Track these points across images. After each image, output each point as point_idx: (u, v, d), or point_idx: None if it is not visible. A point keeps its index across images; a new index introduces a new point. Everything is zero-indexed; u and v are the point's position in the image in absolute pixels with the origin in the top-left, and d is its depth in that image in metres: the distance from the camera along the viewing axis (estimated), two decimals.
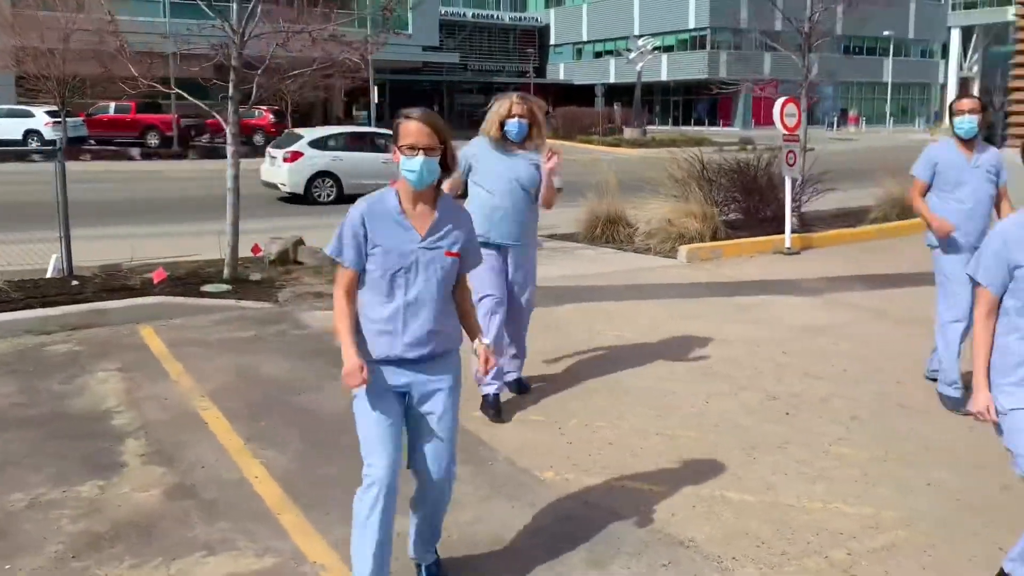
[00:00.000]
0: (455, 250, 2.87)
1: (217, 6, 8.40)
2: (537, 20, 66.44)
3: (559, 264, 9.19)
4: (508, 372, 5.06)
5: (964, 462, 4.24)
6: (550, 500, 3.82)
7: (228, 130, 8.45)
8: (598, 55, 62.64)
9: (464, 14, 62.21)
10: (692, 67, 54.65)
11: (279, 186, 15.98)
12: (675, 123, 57.18)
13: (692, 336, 6.45)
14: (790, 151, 9.97)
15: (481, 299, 4.69)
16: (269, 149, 16.84)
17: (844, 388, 5.31)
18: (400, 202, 2.84)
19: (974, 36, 59.85)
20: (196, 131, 32.38)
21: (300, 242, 9.54)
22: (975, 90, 61.76)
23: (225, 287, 7.83)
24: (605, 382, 5.41)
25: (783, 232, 10.35)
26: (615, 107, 44.29)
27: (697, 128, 51.42)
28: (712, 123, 55.15)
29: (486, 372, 3.02)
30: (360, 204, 2.84)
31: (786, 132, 9.94)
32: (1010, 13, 55.65)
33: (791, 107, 10.01)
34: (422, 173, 2.75)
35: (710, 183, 11.34)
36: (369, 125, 36.54)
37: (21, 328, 6.43)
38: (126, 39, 10.08)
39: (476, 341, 2.99)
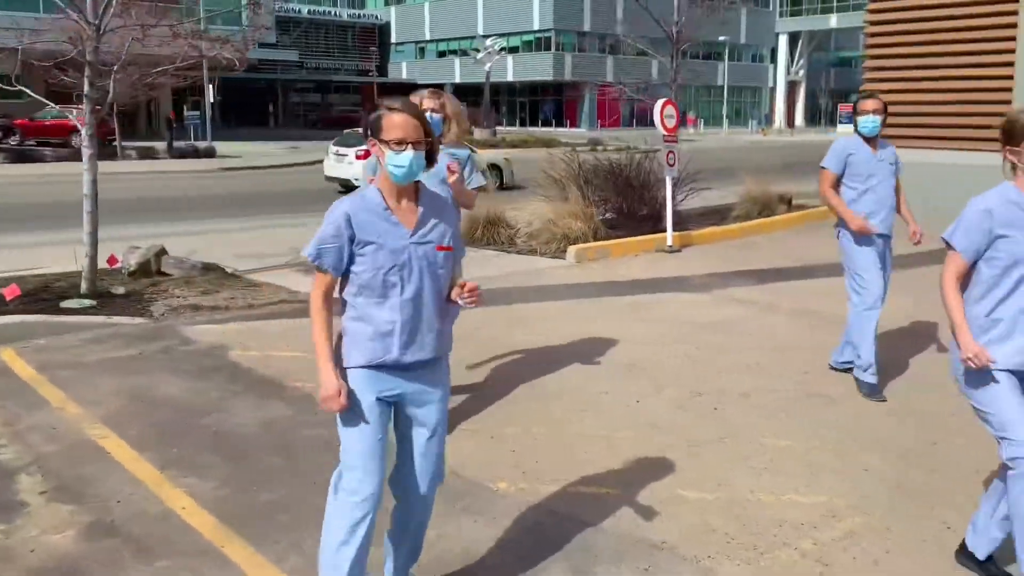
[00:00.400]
0: (446, 244, 2.78)
1: None
2: (377, 18, 65.85)
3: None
4: None
5: (890, 448, 4.52)
6: (511, 512, 3.76)
7: (84, 131, 7.85)
8: (442, 54, 62.80)
9: (299, 10, 60.77)
10: (538, 68, 55.85)
11: (353, 180, 16.00)
12: (522, 124, 58.21)
13: (601, 336, 6.56)
14: (670, 151, 10.35)
15: None
16: (334, 147, 17.89)
17: (762, 381, 5.55)
18: (384, 198, 2.73)
19: (800, 42, 64.50)
20: (3, 132, 29.87)
21: (162, 251, 8.97)
22: (801, 93, 66.57)
23: (88, 302, 7.23)
24: (532, 386, 5.40)
25: (659, 230, 10.73)
26: (462, 107, 44.46)
27: (545, 129, 52.55)
28: (559, 124, 56.56)
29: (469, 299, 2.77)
30: (342, 203, 2.72)
31: (666, 133, 10.31)
32: (832, 20, 60.50)
33: (670, 109, 10.39)
34: (411, 168, 2.66)
35: (586, 183, 11.59)
36: (203, 126, 34.97)
37: None
38: None
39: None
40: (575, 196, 11.22)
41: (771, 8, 64.30)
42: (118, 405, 4.95)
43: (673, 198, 10.91)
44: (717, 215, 13.11)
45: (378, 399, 2.75)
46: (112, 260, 8.82)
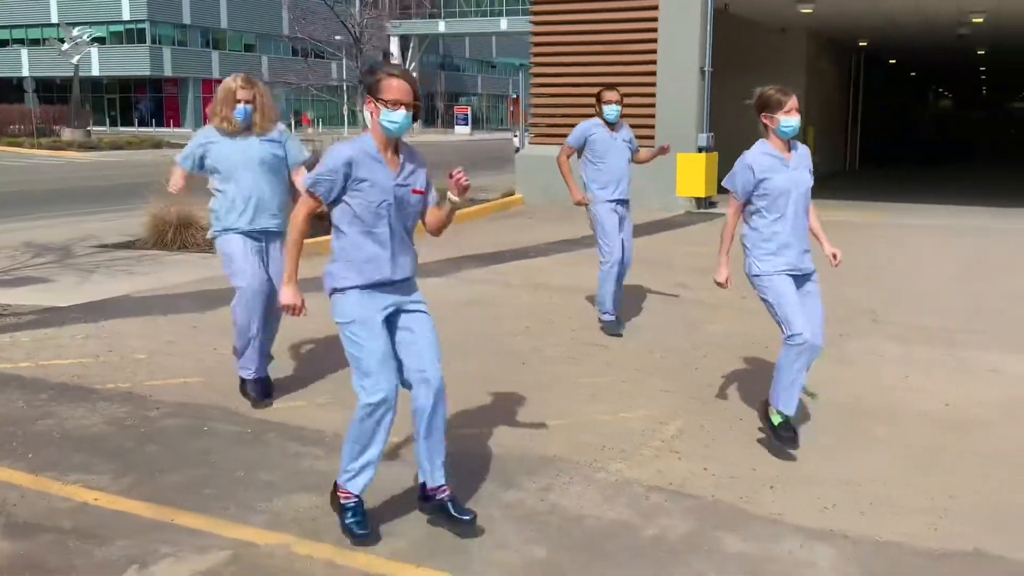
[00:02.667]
0: (420, 188, 3.59)
1: None
2: None
3: (140, 280, 9.12)
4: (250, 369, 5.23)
5: (666, 374, 5.93)
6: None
7: None
8: (3, 43, 56.51)
9: None
10: (131, 62, 52.76)
11: None
12: (114, 123, 54.54)
13: None
14: None
15: (239, 289, 5.01)
16: None
17: (543, 341, 6.71)
18: (377, 146, 3.50)
19: (411, 45, 68.29)
20: None
21: None
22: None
23: None
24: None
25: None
26: (36, 105, 40.65)
27: (144, 129, 49.82)
28: (159, 123, 53.92)
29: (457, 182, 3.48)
30: (345, 147, 3.47)
31: None
32: (441, 26, 64.93)
33: None
34: (403, 126, 3.46)
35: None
36: None
37: None
38: None
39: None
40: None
41: (381, 9, 67.23)
42: None
43: None
44: None
45: (381, 310, 3.48)
46: None
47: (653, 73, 13.60)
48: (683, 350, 6.50)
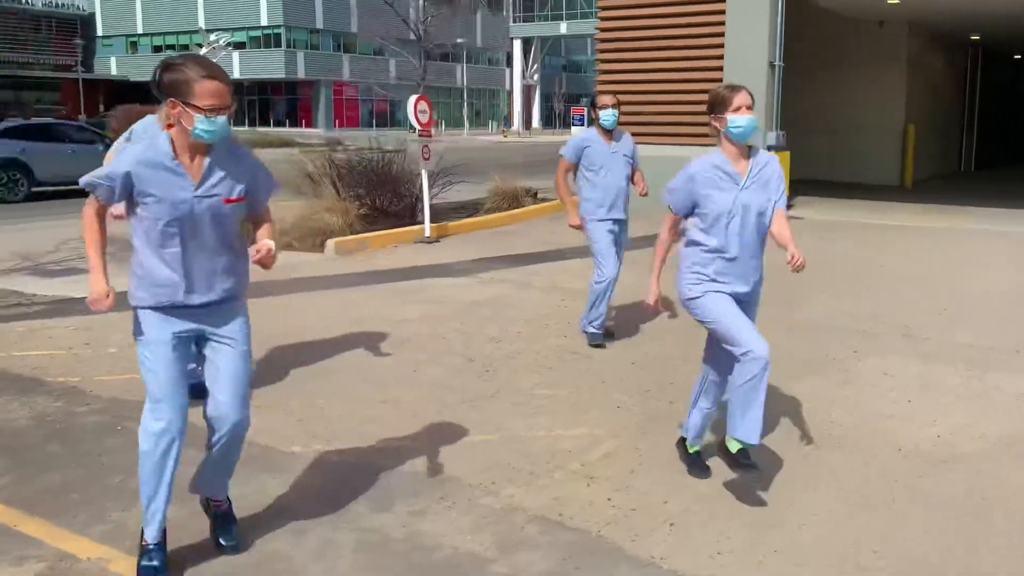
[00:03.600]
0: (235, 196, 3.06)
1: None
2: (80, 8, 61.19)
3: None
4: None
5: (633, 387, 5.39)
6: (308, 468, 4.13)
7: None
8: (157, 49, 59.66)
9: None
10: (268, 66, 54.76)
11: None
12: (252, 124, 56.74)
13: (370, 318, 7.01)
14: (424, 146, 10.97)
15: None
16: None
17: (525, 345, 6.28)
18: (174, 148, 2.99)
19: (533, 47, 68.26)
20: None
21: None
22: (536, 96, 70.39)
23: None
24: (312, 368, 5.74)
25: (415, 223, 11.37)
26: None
27: (278, 129, 51.63)
28: (293, 124, 55.79)
29: (260, 257, 3.06)
30: (132, 152, 3.00)
31: (420, 128, 10.94)
32: (562, 27, 64.59)
33: (423, 105, 11.03)
34: (221, 132, 2.96)
35: (340, 179, 11.94)
36: None
37: None
38: None
39: (265, 241, 3.11)
40: (329, 192, 11.57)
41: (505, 13, 67.56)
42: None
43: (428, 192, 11.56)
44: (469, 209, 13.97)
45: (175, 334, 3.07)
46: None
47: (719, 68, 12.80)
48: (665, 364, 5.92)
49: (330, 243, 10.15)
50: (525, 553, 3.36)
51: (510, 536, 3.50)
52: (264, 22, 54.25)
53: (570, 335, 6.57)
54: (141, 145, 3.06)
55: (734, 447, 3.82)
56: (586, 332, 6.34)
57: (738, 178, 3.74)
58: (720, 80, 12.95)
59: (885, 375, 5.73)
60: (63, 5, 61.18)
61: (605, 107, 6.11)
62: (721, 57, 12.86)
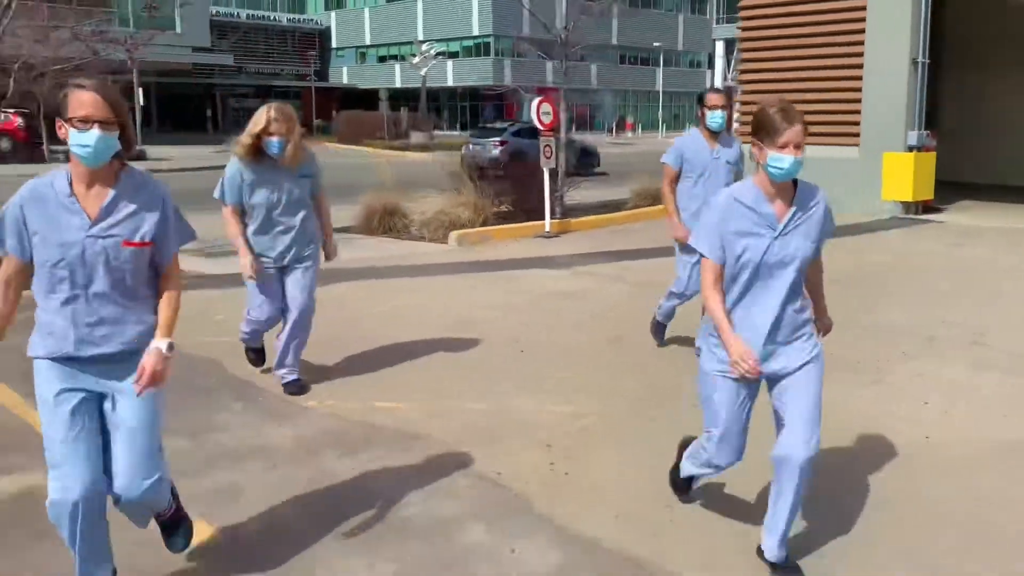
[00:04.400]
0: (137, 239, 2.68)
1: None
2: (317, 23, 66.34)
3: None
4: (283, 371, 5.15)
5: (650, 374, 5.54)
6: (312, 420, 4.68)
7: None
8: (382, 59, 63.55)
9: (238, 14, 61.05)
10: (477, 73, 56.91)
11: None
12: (464, 128, 59.19)
13: (455, 302, 7.52)
14: (547, 145, 11.38)
15: (256, 309, 5.03)
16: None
17: (574, 334, 6.54)
18: (71, 184, 2.67)
19: (736, 48, 66.59)
20: None
21: None
22: (737, 98, 68.34)
23: None
24: (374, 337, 6.32)
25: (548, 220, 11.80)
26: (402, 112, 45.37)
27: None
28: None
29: (143, 383, 2.68)
30: (25, 186, 2.69)
31: (542, 128, 11.35)
32: None
33: (546, 106, 11.44)
34: (97, 149, 2.57)
35: (481, 178, 12.59)
36: (135, 130, 35.19)
37: None
38: None
39: (154, 342, 2.73)
40: (468, 189, 12.23)
41: (708, 15, 66.29)
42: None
43: (556, 189, 11.96)
44: (612, 207, 14.20)
45: (71, 390, 2.69)
46: None
47: (859, 66, 12.23)
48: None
49: (453, 235, 10.79)
50: (439, 500, 3.73)
51: (441, 487, 3.87)
52: (475, 32, 56.42)
53: (625, 326, 6.74)
54: (34, 182, 2.72)
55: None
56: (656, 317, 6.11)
57: (773, 221, 2.97)
58: (859, 79, 12.41)
59: (920, 378, 5.53)
60: (304, 20, 66.59)
61: (715, 107, 5.48)
62: (861, 55, 12.30)
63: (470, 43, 57.10)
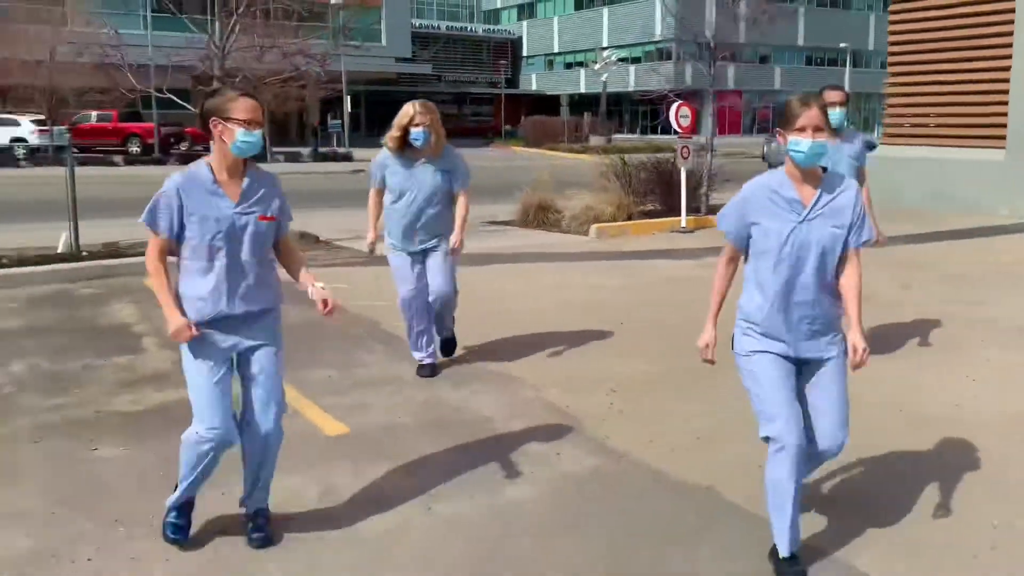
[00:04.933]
0: (269, 214, 3.26)
1: (197, 20, 10.39)
2: (510, 33, 68.76)
3: (492, 240, 11.24)
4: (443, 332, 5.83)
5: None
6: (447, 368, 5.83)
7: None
8: (568, 66, 65.00)
9: (438, 27, 64.45)
10: (658, 77, 57.06)
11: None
12: (643, 132, 59.56)
13: (577, 284, 8.51)
14: (684, 147, 12.07)
15: (400, 288, 5.44)
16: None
17: (672, 315, 7.32)
18: (213, 173, 3.20)
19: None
20: (175, 139, 34.22)
21: None
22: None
23: None
24: (503, 307, 7.43)
25: (691, 216, 12.50)
26: (585, 116, 46.52)
27: (663, 136, 53.76)
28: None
29: (327, 314, 3.29)
30: (175, 177, 3.19)
31: (681, 131, 12.06)
32: None
33: (685, 110, 12.13)
34: (256, 145, 3.18)
35: (629, 178, 13.43)
36: (343, 134, 38.47)
37: (55, 279, 8.39)
38: (118, 52, 12.10)
39: (310, 287, 3.31)
40: (615, 188, 13.13)
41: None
42: None
43: (696, 188, 12.61)
44: None
45: (215, 349, 3.20)
46: None
47: (1007, 68, 11.98)
48: None
49: (593, 228, 11.73)
50: (515, 418, 4.74)
51: (518, 410, 4.89)
52: (658, 36, 56.64)
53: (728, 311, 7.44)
54: (181, 172, 3.22)
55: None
56: None
57: (799, 206, 3.07)
58: (1006, 81, 12.20)
59: (987, 361, 5.93)
60: (498, 31, 69.25)
61: (834, 105, 5.41)
62: (1009, 57, 12.07)
63: (652, 48, 57.38)
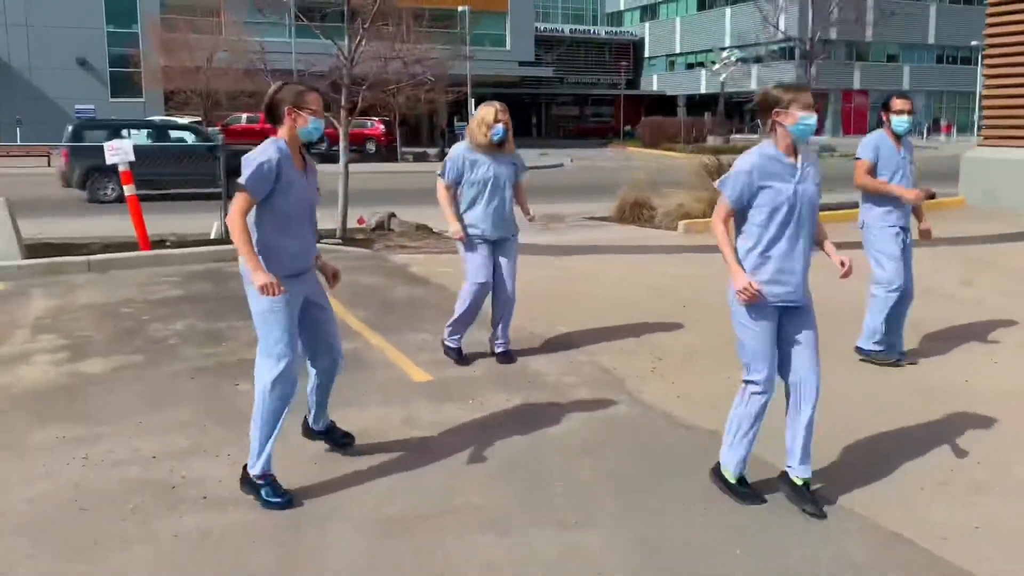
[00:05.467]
0: (317, 187, 3.93)
1: (329, 29, 11.63)
2: (632, 34, 68.96)
3: (585, 234, 12.10)
4: (498, 343, 6.08)
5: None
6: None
7: (341, 134, 11.72)
8: (690, 66, 64.64)
9: (562, 30, 65.40)
10: (783, 78, 56.05)
11: None
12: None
13: (649, 272, 9.27)
14: None
15: (473, 273, 5.79)
16: None
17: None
18: (290, 151, 3.71)
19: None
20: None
21: (392, 216, 12.74)
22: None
23: (337, 240, 11.07)
24: (582, 289, 8.29)
25: None
26: (705, 116, 46.41)
27: None
28: None
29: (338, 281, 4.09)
30: (272, 150, 3.62)
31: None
32: None
33: None
34: (321, 131, 3.77)
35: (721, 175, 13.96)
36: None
37: (207, 259, 9.84)
38: (263, 60, 13.59)
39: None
40: (708, 185, 13.70)
41: None
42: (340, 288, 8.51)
43: None
44: (847, 205, 14.77)
45: (291, 300, 3.75)
46: (360, 220, 12.71)
47: None
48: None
49: (681, 223, 12.37)
50: (566, 374, 5.63)
51: (571, 368, 5.77)
52: (781, 36, 55.61)
53: None
54: (275, 147, 3.66)
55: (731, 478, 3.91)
56: (861, 349, 5.96)
57: (794, 170, 3.61)
58: None
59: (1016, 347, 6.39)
60: (620, 32, 69.58)
61: (901, 113, 5.64)
62: None
63: (775, 47, 56.40)
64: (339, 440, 4.40)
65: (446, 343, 6.04)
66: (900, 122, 5.64)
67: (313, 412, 4.29)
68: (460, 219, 5.79)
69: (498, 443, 4.52)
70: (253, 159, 3.60)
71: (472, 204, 5.77)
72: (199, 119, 31.77)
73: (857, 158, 5.78)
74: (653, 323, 7.06)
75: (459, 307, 5.89)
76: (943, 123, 55.55)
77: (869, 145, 5.75)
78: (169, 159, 16.55)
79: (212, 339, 6.58)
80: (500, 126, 5.63)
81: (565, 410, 5.03)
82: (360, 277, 8.95)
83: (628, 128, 52.83)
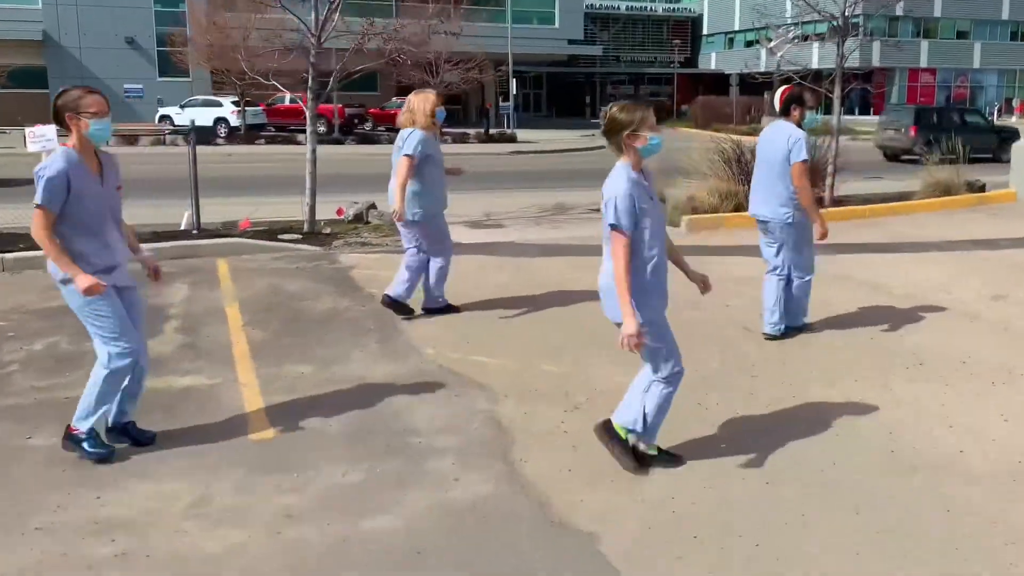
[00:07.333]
0: (119, 184, 3.97)
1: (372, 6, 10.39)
2: (690, 11, 66.21)
3: (578, 230, 10.71)
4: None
5: (747, 362, 5.51)
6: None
7: (307, 115, 10.50)
8: (749, 44, 61.70)
9: (618, 7, 63.05)
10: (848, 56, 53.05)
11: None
12: (827, 112, 55.67)
13: None
14: None
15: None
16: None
17: (715, 316, 6.58)
18: (81, 157, 3.77)
19: None
20: (359, 119, 35.46)
21: (372, 206, 11.50)
22: None
23: (295, 236, 9.88)
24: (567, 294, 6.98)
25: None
26: (764, 96, 43.99)
27: (847, 117, 49.91)
28: (864, 112, 53.26)
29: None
30: (60, 163, 3.69)
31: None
32: None
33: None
34: (110, 130, 3.84)
35: (739, 164, 12.33)
36: (511, 116, 38.44)
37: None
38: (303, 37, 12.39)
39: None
40: (726, 177, 12.10)
41: None
42: (252, 292, 7.35)
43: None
44: (891, 198, 13.03)
45: (113, 289, 3.88)
46: (339, 211, 11.48)
47: None
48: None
49: (684, 219, 10.85)
50: (445, 435, 4.34)
51: (455, 424, 4.47)
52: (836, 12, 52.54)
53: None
54: (63, 159, 3.73)
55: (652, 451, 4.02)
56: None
57: (652, 190, 3.70)
58: None
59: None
60: (679, 9, 66.86)
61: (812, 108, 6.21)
62: None
63: (835, 23, 53.31)
64: (138, 439, 4.19)
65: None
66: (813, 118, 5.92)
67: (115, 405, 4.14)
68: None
69: (279, 549, 3.26)
70: (42, 176, 3.68)
71: (430, 182, 6.31)
72: (236, 99, 31.01)
73: (804, 160, 5.76)
74: (602, 346, 5.71)
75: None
76: (1016, 103, 51.78)
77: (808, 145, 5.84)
78: None
79: (64, 366, 5.47)
80: (440, 109, 6.24)
81: (405, 494, 3.75)
82: (290, 284, 7.74)
83: (686, 107, 50.59)
